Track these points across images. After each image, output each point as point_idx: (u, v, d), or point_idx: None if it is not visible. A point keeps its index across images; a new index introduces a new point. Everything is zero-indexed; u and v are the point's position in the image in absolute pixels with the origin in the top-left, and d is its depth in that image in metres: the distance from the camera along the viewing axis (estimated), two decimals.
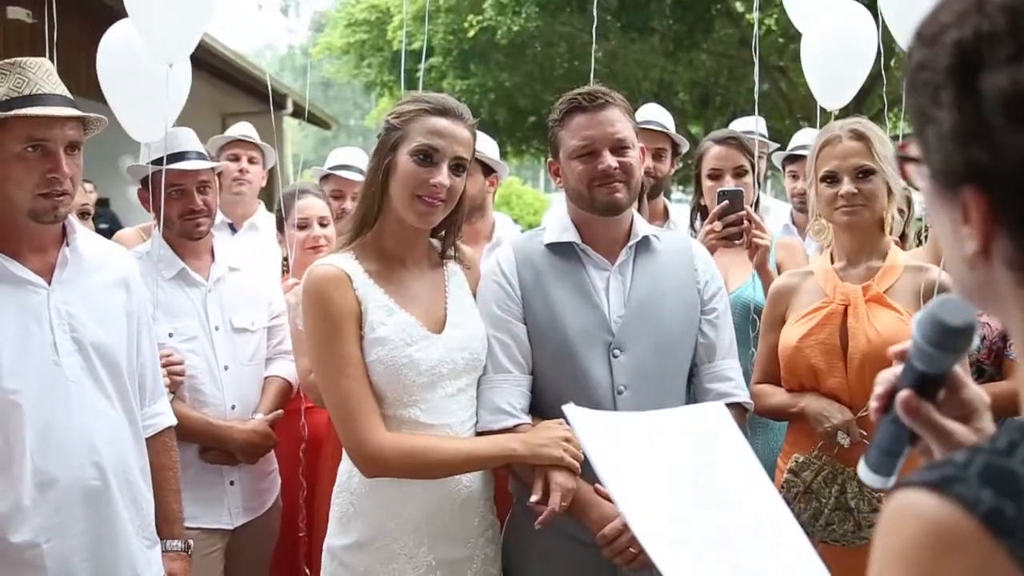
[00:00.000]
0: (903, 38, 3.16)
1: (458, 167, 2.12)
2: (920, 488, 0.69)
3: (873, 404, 1.03)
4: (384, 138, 2.13)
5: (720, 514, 1.52)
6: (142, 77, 2.95)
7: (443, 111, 2.11)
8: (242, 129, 4.18)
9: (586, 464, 1.98)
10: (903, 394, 0.97)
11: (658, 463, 1.63)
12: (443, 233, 2.25)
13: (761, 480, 1.62)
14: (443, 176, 2.08)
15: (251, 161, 4.06)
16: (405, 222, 2.13)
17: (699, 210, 3.37)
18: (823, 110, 3.58)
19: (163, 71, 2.89)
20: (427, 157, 2.08)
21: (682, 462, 1.64)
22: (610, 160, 2.19)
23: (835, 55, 3.51)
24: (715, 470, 1.63)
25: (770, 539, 1.48)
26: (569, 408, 1.76)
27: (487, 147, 3.40)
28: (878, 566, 0.70)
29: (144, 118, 2.95)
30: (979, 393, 1.01)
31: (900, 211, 2.54)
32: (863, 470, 1.05)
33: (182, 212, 2.89)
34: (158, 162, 2.89)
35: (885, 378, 1.03)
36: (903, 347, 1.00)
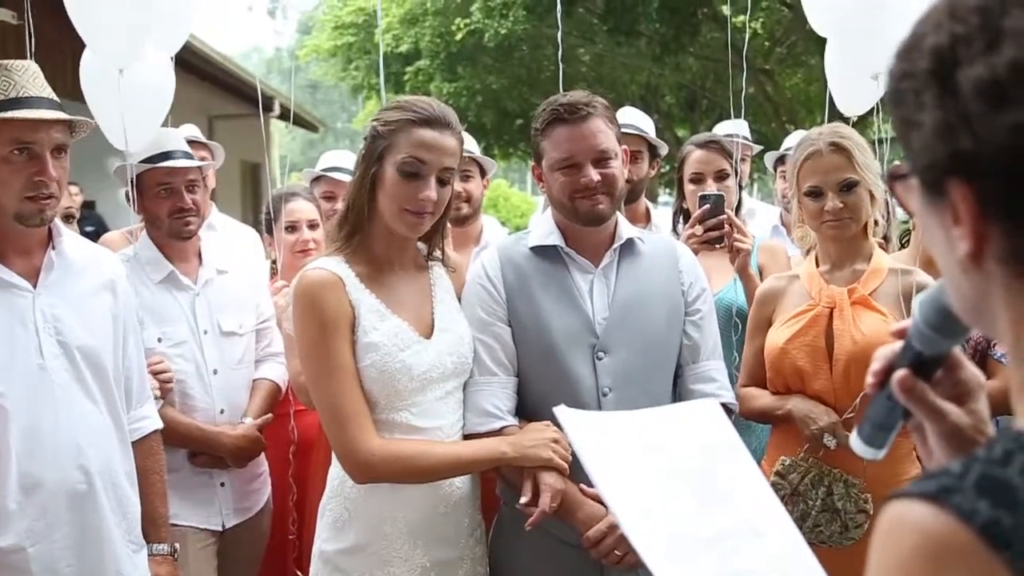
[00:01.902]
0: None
1: (445, 178, 2.12)
2: (916, 499, 0.68)
3: (869, 380, 1.03)
4: (370, 146, 2.12)
5: (713, 511, 1.51)
6: (125, 84, 2.92)
7: (429, 121, 2.09)
8: (187, 131, 4.12)
9: (575, 465, 1.98)
10: (899, 374, 0.97)
11: (650, 462, 1.63)
12: (429, 235, 2.24)
13: (755, 476, 1.62)
14: (431, 190, 2.08)
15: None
16: (393, 229, 2.13)
17: (681, 214, 3.38)
18: (839, 113, 3.49)
19: (143, 79, 2.88)
20: (414, 172, 2.07)
21: (675, 459, 1.63)
22: (592, 174, 2.18)
23: (859, 58, 3.36)
24: (708, 467, 1.62)
25: (763, 536, 1.48)
26: (559, 409, 1.76)
27: (471, 146, 3.39)
28: None
29: (128, 125, 2.90)
30: (976, 374, 1.01)
31: (883, 215, 2.56)
32: (855, 441, 1.05)
33: (171, 211, 2.87)
34: (146, 162, 2.88)
35: (883, 354, 1.02)
36: (903, 325, 1.00)
